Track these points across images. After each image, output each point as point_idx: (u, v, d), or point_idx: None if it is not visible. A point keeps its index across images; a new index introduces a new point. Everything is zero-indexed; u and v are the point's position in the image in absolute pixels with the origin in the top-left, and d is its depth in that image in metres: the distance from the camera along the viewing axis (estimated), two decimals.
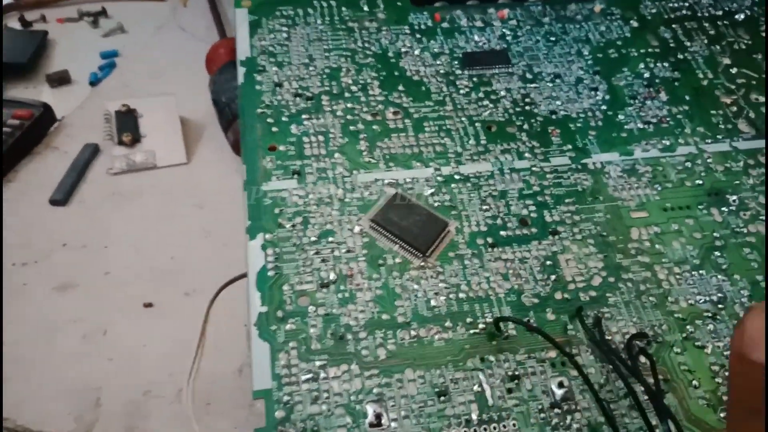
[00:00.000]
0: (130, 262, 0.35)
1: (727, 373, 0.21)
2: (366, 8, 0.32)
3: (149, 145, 0.41)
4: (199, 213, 0.37)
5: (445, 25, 0.32)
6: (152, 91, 0.48)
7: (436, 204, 0.25)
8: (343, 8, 0.32)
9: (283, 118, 0.27)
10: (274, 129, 0.27)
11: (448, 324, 0.22)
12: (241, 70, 0.29)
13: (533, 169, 0.26)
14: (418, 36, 0.31)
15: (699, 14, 0.33)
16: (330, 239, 0.24)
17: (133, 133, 0.41)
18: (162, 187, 0.39)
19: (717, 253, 0.25)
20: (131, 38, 0.57)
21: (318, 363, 0.21)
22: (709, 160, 0.27)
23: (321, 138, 0.27)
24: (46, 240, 0.36)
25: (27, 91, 0.49)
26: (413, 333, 0.22)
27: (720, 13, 0.34)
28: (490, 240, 0.24)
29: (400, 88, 0.29)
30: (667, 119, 0.29)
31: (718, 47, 0.32)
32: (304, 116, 0.28)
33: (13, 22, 0.60)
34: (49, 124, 0.44)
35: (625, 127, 0.28)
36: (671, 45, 0.32)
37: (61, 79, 0.50)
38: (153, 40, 0.56)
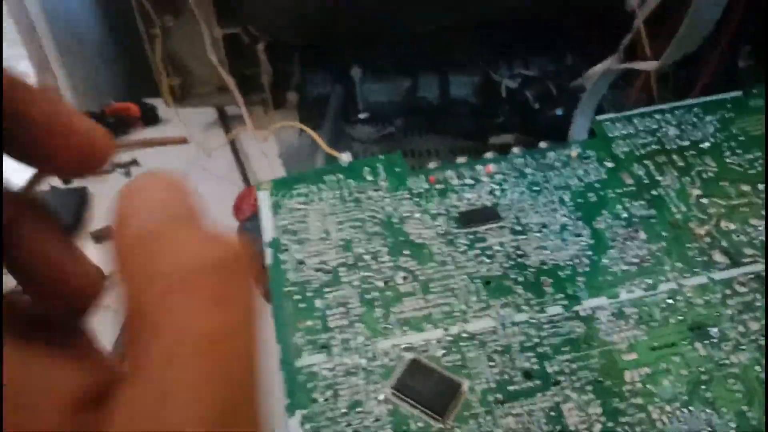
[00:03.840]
0: None
1: None
2: (369, 177, 0.36)
3: None
4: None
5: (439, 186, 0.36)
6: None
7: (448, 364, 0.29)
8: (350, 180, 0.36)
9: (308, 293, 0.31)
10: (302, 305, 0.31)
11: None
12: (268, 252, 0.33)
13: (531, 320, 0.30)
14: (416, 199, 0.35)
15: (667, 147, 0.37)
16: (358, 410, 0.27)
17: None
18: None
19: (703, 387, 0.27)
20: None
21: None
22: (689, 295, 0.30)
23: (342, 309, 0.31)
24: None
25: None
26: None
27: (687, 143, 0.37)
28: (500, 396, 0.27)
29: (406, 252, 0.33)
30: (647, 258, 0.32)
31: (688, 178, 0.36)
32: (325, 289, 0.32)
33: (55, 180, 0.66)
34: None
35: (610, 270, 0.32)
36: (645, 182, 0.36)
37: (104, 236, 0.56)
38: None
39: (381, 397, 0.28)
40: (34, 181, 0.15)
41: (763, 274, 0.31)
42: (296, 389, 0.28)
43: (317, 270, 0.32)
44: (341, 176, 0.37)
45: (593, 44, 0.51)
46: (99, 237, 0.55)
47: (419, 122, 0.63)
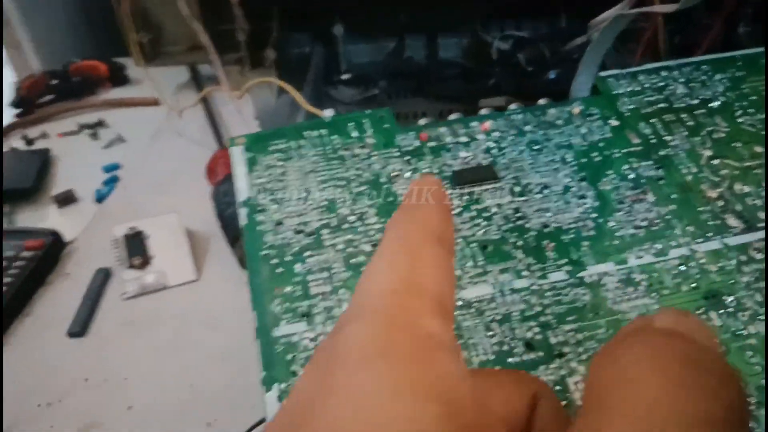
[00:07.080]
0: (151, 393, 0.36)
1: None
2: (355, 134, 0.33)
3: (159, 266, 0.42)
4: (213, 336, 0.38)
5: (431, 143, 0.33)
6: (157, 203, 0.50)
7: None
8: (333, 137, 0.33)
9: (287, 258, 0.28)
10: (279, 270, 0.28)
11: None
12: (242, 212, 0.30)
13: (532, 288, 0.27)
14: (406, 158, 0.32)
15: (675, 105, 0.35)
16: None
17: (143, 256, 0.42)
18: (175, 309, 0.40)
19: None
20: (130, 147, 0.59)
21: None
22: (702, 261, 0.28)
23: (325, 274, 0.28)
24: (68, 376, 0.37)
25: (34, 215, 0.51)
26: None
27: (696, 101, 0.35)
28: (499, 368, 0.25)
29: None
30: (657, 221, 0.30)
31: (698, 138, 0.33)
32: (306, 253, 0.29)
33: (16, 141, 0.62)
34: (60, 250, 0.45)
35: (617, 234, 0.29)
36: (652, 141, 0.33)
37: (66, 199, 0.52)
38: (152, 148, 0.58)
39: None
40: None
41: None
42: (274, 361, 0.25)
43: (297, 232, 0.29)
44: (323, 132, 0.34)
45: (590, 6, 0.48)
46: (60, 201, 0.51)
47: (405, 84, 0.60)
